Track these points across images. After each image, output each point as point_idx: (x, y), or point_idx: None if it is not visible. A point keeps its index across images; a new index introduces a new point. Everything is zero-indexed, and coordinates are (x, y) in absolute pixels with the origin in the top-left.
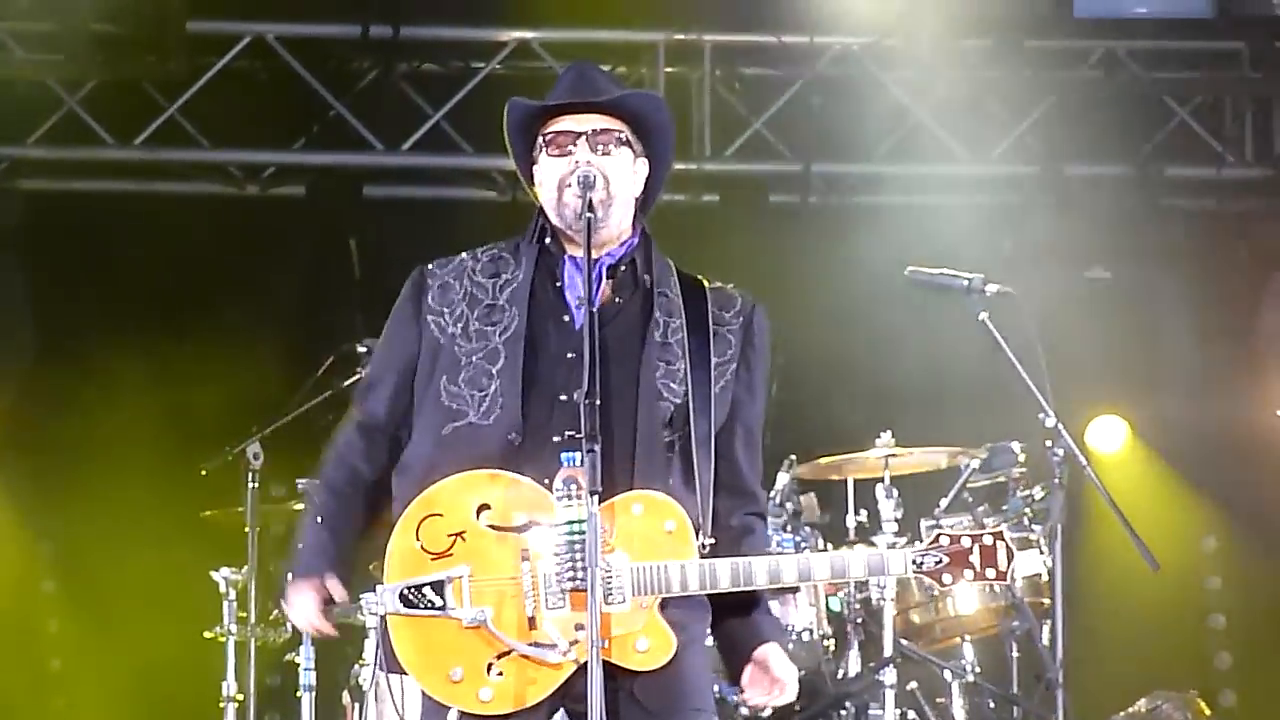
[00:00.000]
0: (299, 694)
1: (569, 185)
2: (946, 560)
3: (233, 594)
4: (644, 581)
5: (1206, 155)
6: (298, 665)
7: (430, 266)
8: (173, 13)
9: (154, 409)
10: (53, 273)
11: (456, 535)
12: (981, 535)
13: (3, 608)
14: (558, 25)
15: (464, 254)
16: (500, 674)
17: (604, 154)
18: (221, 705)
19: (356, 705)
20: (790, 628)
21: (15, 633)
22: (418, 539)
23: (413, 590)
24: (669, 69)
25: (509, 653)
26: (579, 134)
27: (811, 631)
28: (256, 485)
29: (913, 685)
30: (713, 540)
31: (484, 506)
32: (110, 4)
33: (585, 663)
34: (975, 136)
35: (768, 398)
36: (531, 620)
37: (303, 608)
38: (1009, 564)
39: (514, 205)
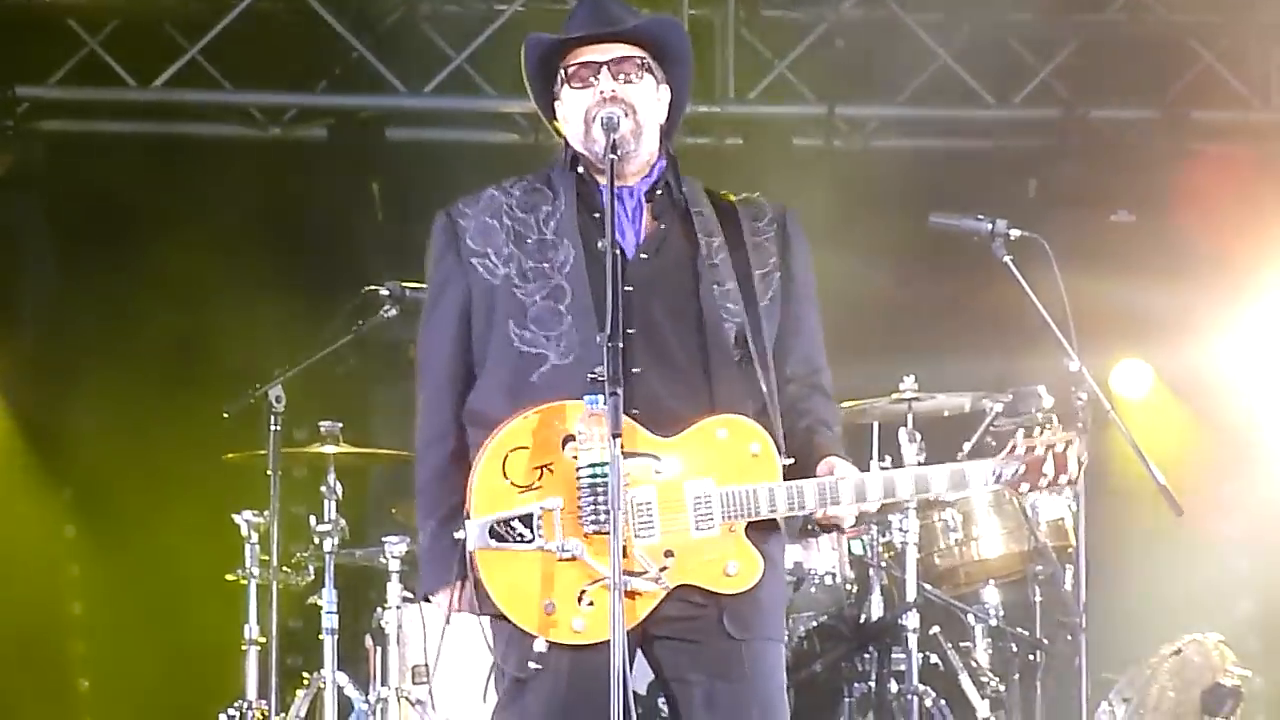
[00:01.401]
0: (321, 637)
1: (594, 120)
2: (1024, 469)
3: (255, 537)
4: (734, 506)
5: (1233, 99)
6: (320, 608)
7: (458, 206)
8: None
9: (177, 352)
10: (74, 214)
11: (543, 467)
12: (1054, 443)
13: (24, 552)
14: None
15: (491, 189)
16: (591, 603)
17: (627, 82)
18: (244, 648)
19: (379, 648)
20: (812, 571)
21: (37, 577)
22: (504, 473)
23: (502, 524)
24: (692, 11)
25: (599, 581)
26: (601, 64)
27: (834, 575)
28: (279, 428)
29: (935, 629)
30: (792, 460)
31: (569, 438)
32: None
33: (677, 587)
34: (1000, 79)
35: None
36: (625, 550)
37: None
38: (1079, 469)
39: (536, 148)
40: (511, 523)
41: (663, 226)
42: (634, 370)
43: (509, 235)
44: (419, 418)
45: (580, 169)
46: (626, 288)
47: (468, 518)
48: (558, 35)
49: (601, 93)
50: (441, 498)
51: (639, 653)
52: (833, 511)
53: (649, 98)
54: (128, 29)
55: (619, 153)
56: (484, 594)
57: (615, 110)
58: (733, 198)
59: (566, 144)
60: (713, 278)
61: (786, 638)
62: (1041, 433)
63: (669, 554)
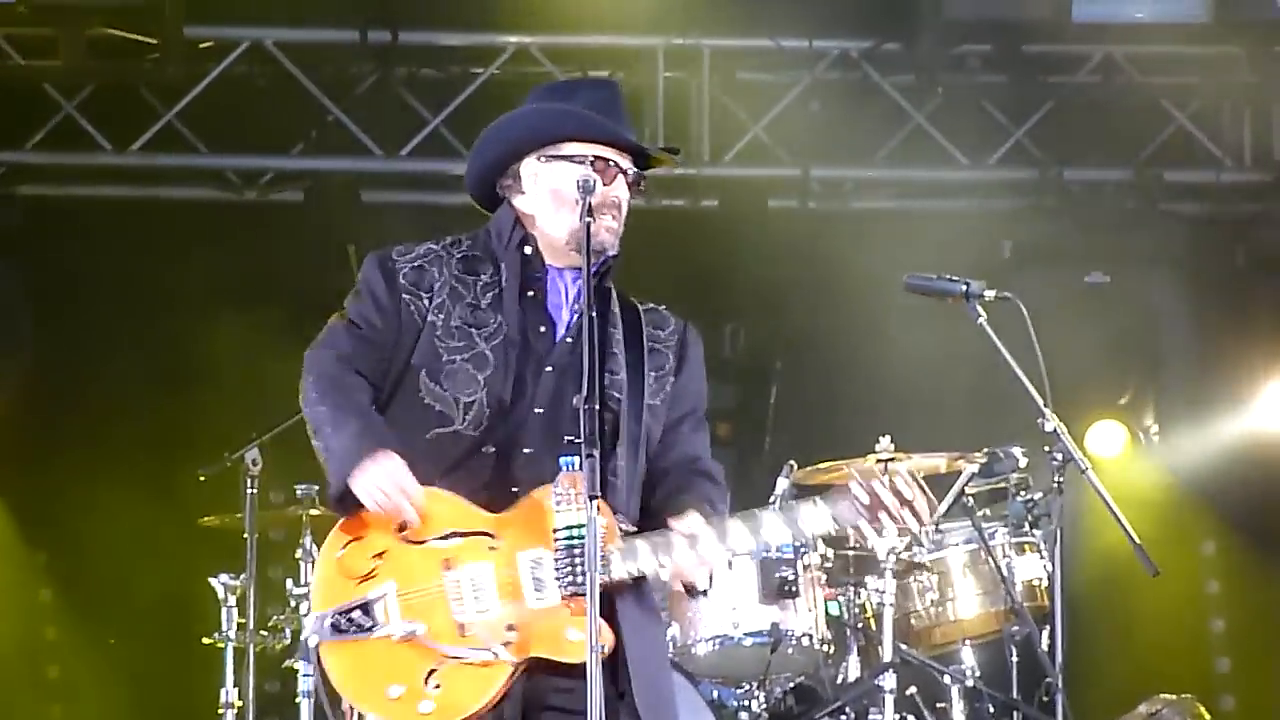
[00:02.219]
0: (298, 700)
1: (604, 214)
2: (863, 511)
3: (231, 600)
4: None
5: (1205, 160)
6: (296, 671)
7: (390, 252)
8: (170, 17)
9: (152, 415)
10: (51, 278)
11: (378, 555)
12: (899, 487)
13: (1, 617)
14: (557, 30)
15: (429, 243)
16: (438, 686)
17: (632, 193)
18: (221, 712)
19: (355, 712)
20: (789, 632)
21: (13, 641)
22: (340, 567)
23: (340, 615)
24: (668, 74)
25: (444, 663)
26: (620, 168)
27: (811, 636)
28: (255, 491)
29: (912, 690)
30: (634, 529)
31: (402, 524)
32: (107, 9)
33: (519, 664)
34: (974, 141)
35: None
36: (461, 627)
37: (392, 472)
38: (929, 510)
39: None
40: (351, 614)
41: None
42: (525, 450)
43: (445, 288)
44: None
45: (528, 249)
46: (547, 368)
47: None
48: (602, 121)
49: (617, 196)
50: (352, 396)
51: None
52: (680, 566)
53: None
54: (104, 93)
55: (601, 255)
56: (332, 685)
57: (615, 196)
58: (638, 305)
59: (518, 219)
60: (609, 366)
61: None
62: (888, 475)
63: (510, 628)
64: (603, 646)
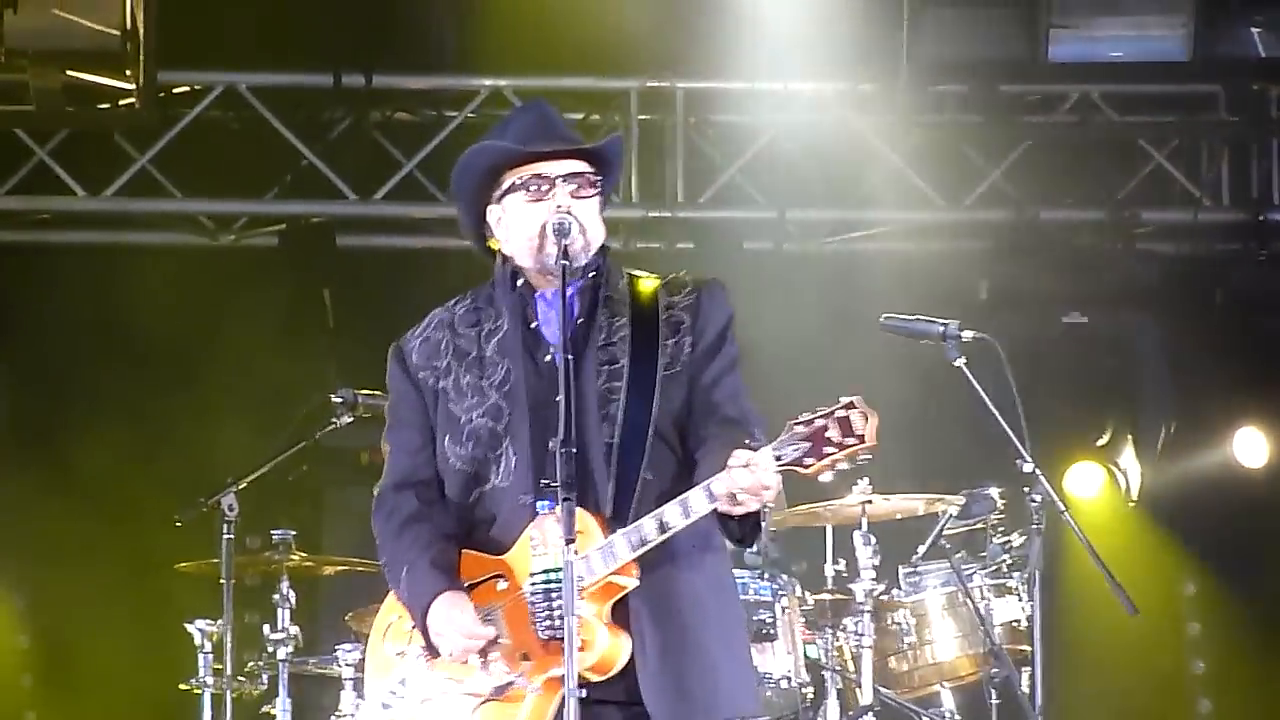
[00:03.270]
0: None
1: (548, 235)
2: (807, 445)
3: (208, 646)
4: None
5: (1183, 199)
6: (274, 717)
7: (406, 335)
8: (144, 62)
9: (127, 461)
10: (24, 324)
11: (413, 627)
12: (834, 409)
13: None
14: (530, 73)
15: (436, 310)
16: None
17: (579, 197)
18: None
19: None
20: (768, 676)
21: None
22: (383, 644)
23: (389, 694)
24: (642, 116)
25: (477, 706)
26: (554, 178)
27: (790, 679)
28: (231, 537)
29: None
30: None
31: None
32: (81, 53)
33: (545, 682)
34: (950, 182)
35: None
36: (483, 666)
37: (458, 621)
38: (866, 424)
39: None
40: (393, 690)
41: (581, 322)
42: (550, 484)
43: (448, 349)
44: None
45: (519, 282)
46: (556, 398)
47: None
48: (515, 145)
49: (559, 206)
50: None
51: None
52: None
53: (595, 214)
54: (77, 138)
55: (569, 261)
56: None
57: (567, 219)
58: (656, 280)
59: (504, 258)
60: (604, 361)
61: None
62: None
63: (525, 656)
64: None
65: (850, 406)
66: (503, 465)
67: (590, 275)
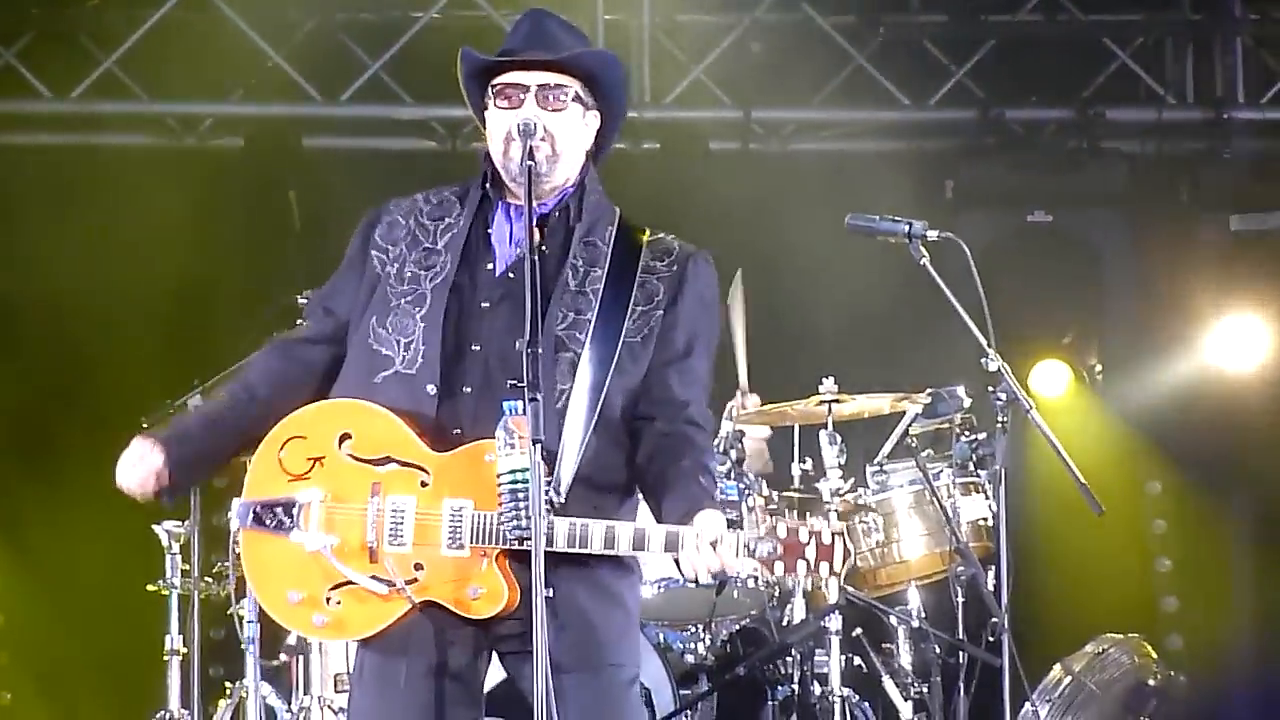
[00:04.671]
0: (243, 646)
1: (514, 139)
2: (780, 550)
3: (175, 547)
4: (483, 532)
5: (1147, 98)
6: (242, 618)
7: (388, 203)
8: None
9: (94, 361)
10: None
11: (316, 460)
12: (821, 532)
13: None
14: None
15: (420, 194)
16: (338, 603)
17: (553, 109)
18: (166, 658)
19: (301, 658)
20: (735, 575)
21: None
22: (279, 458)
23: (264, 508)
24: (608, 16)
25: (348, 583)
26: (527, 87)
27: (755, 578)
28: None
29: (858, 632)
30: (562, 500)
31: (346, 435)
32: None
33: (416, 605)
34: (915, 81)
35: (714, 337)
36: (371, 552)
37: (141, 461)
38: (844, 565)
39: (454, 154)
40: (275, 508)
41: (544, 249)
42: (465, 389)
43: (407, 235)
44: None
45: (488, 186)
46: (484, 303)
47: (237, 497)
48: (487, 56)
49: (526, 118)
50: (223, 409)
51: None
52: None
53: (571, 127)
54: (43, 41)
55: (534, 162)
56: (242, 573)
57: (532, 120)
58: (646, 237)
59: (487, 157)
60: (571, 305)
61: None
62: (810, 518)
63: (419, 566)
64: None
65: (838, 535)
66: (410, 352)
67: (563, 202)
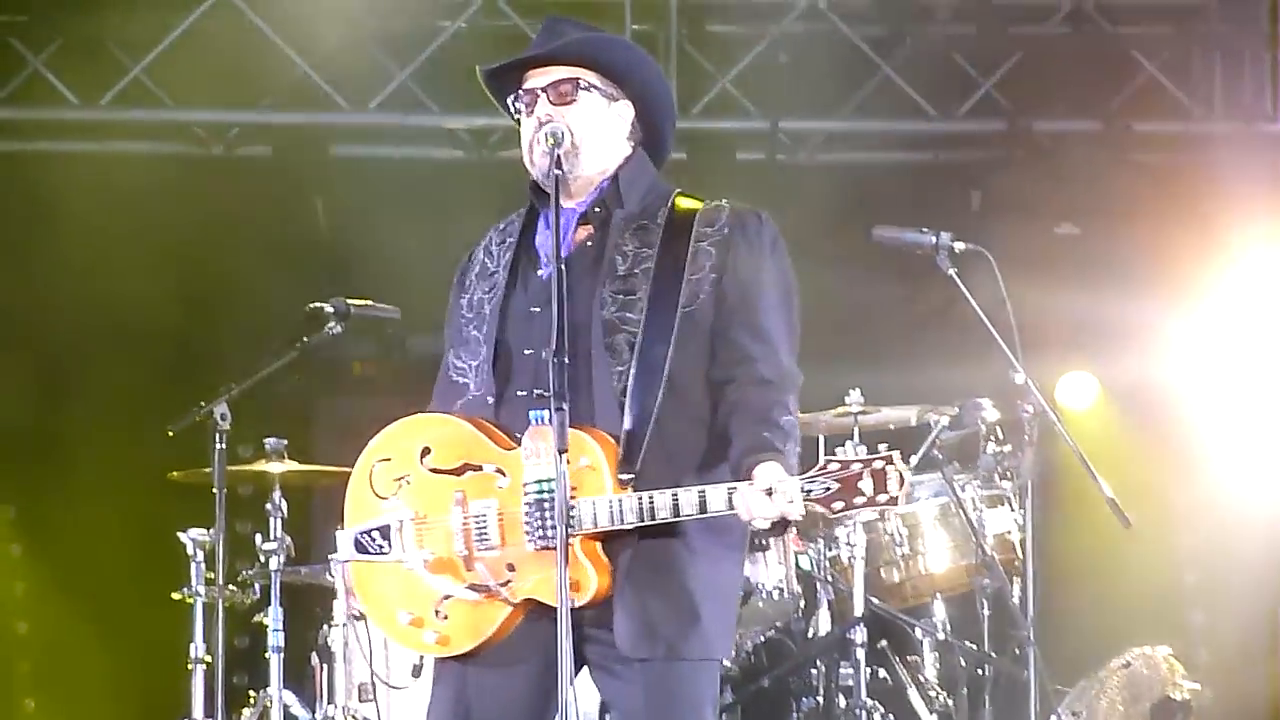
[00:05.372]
0: (267, 655)
1: (537, 144)
2: (837, 486)
3: (200, 555)
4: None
5: (1175, 109)
6: (266, 626)
7: (483, 239)
8: None
9: (119, 368)
10: (15, 234)
11: (402, 479)
12: (873, 460)
13: None
14: None
15: (495, 225)
16: (445, 617)
17: (566, 103)
18: (190, 666)
19: (325, 666)
20: (760, 585)
21: None
22: (371, 484)
23: (364, 535)
24: (635, 26)
25: (451, 596)
26: (539, 90)
27: (782, 589)
28: (224, 446)
29: (883, 644)
30: (631, 475)
31: (426, 450)
32: None
33: (516, 605)
34: (943, 92)
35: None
36: (466, 560)
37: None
38: (900, 488)
39: (482, 163)
40: (372, 533)
41: (589, 244)
42: (518, 393)
43: (478, 266)
44: None
45: (532, 198)
46: (534, 308)
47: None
48: (487, 65)
49: (539, 119)
50: None
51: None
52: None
53: (591, 117)
54: (71, 48)
55: (562, 171)
56: (355, 602)
57: (554, 127)
58: (698, 205)
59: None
60: (620, 289)
61: (731, 654)
62: (860, 452)
63: (511, 567)
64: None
65: (889, 461)
66: (478, 373)
67: (601, 195)
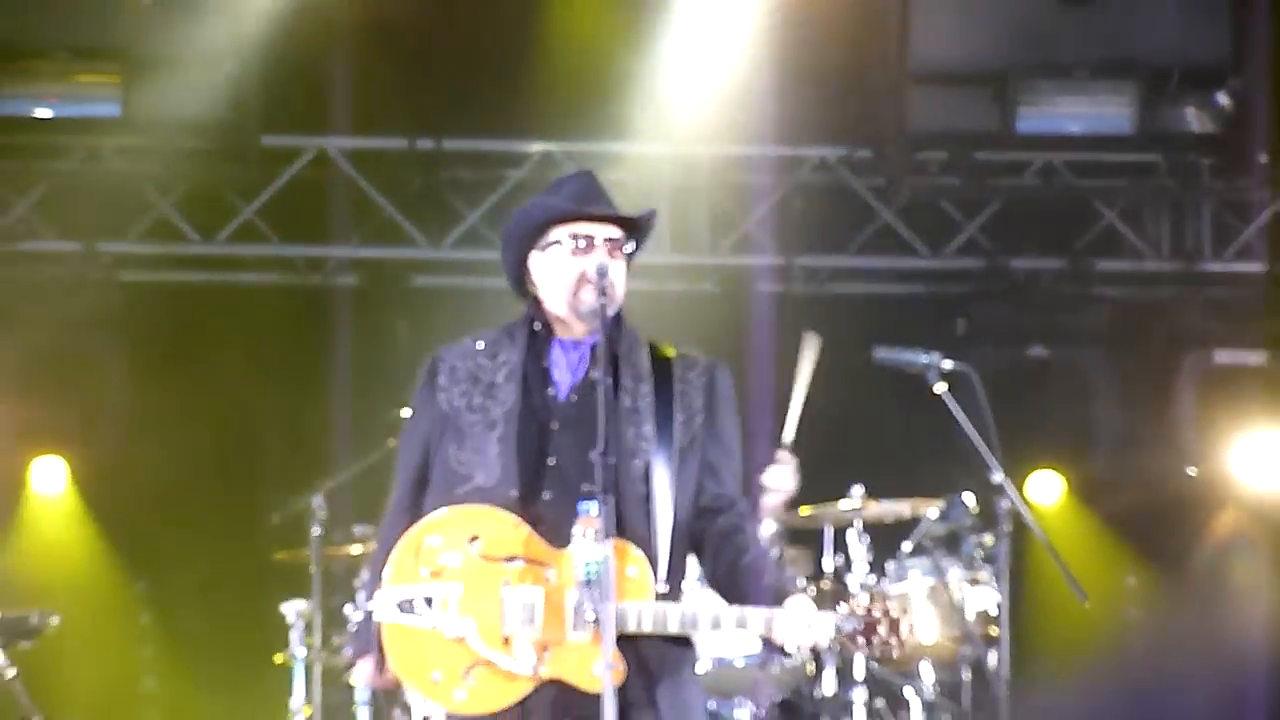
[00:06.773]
0: (355, 708)
1: (588, 281)
2: (862, 629)
3: (300, 624)
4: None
5: (1130, 251)
6: (354, 685)
7: (442, 351)
8: (249, 128)
9: (233, 465)
10: (148, 352)
11: (450, 556)
12: (890, 611)
13: (108, 637)
14: (578, 138)
15: (469, 339)
16: (473, 680)
17: (615, 258)
18: (291, 718)
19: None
20: (776, 655)
21: (116, 657)
22: (418, 555)
23: (407, 600)
24: (674, 177)
25: (480, 663)
26: (595, 237)
27: (795, 657)
28: (320, 531)
29: (880, 702)
30: (667, 587)
31: (475, 537)
32: (196, 122)
33: (543, 682)
34: (933, 234)
35: (740, 438)
36: (507, 639)
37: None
38: (910, 636)
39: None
40: (415, 600)
41: (597, 375)
42: (544, 496)
43: (468, 375)
44: (386, 512)
45: (537, 326)
46: (553, 425)
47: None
48: (569, 206)
49: (600, 262)
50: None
51: None
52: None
53: (622, 277)
54: (193, 192)
55: (602, 304)
56: (385, 660)
57: (608, 262)
58: (671, 353)
59: (536, 302)
60: (631, 420)
61: None
62: (883, 601)
63: (545, 648)
64: (613, 669)
65: (905, 613)
66: (490, 468)
67: (607, 332)
